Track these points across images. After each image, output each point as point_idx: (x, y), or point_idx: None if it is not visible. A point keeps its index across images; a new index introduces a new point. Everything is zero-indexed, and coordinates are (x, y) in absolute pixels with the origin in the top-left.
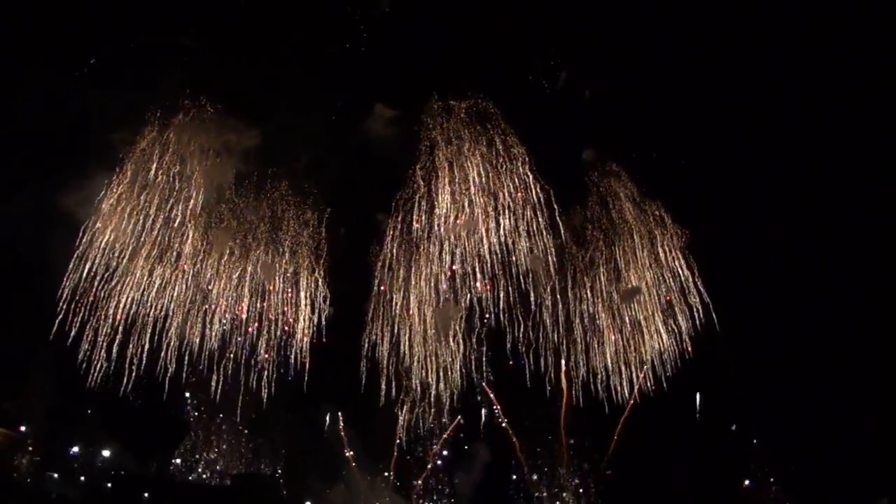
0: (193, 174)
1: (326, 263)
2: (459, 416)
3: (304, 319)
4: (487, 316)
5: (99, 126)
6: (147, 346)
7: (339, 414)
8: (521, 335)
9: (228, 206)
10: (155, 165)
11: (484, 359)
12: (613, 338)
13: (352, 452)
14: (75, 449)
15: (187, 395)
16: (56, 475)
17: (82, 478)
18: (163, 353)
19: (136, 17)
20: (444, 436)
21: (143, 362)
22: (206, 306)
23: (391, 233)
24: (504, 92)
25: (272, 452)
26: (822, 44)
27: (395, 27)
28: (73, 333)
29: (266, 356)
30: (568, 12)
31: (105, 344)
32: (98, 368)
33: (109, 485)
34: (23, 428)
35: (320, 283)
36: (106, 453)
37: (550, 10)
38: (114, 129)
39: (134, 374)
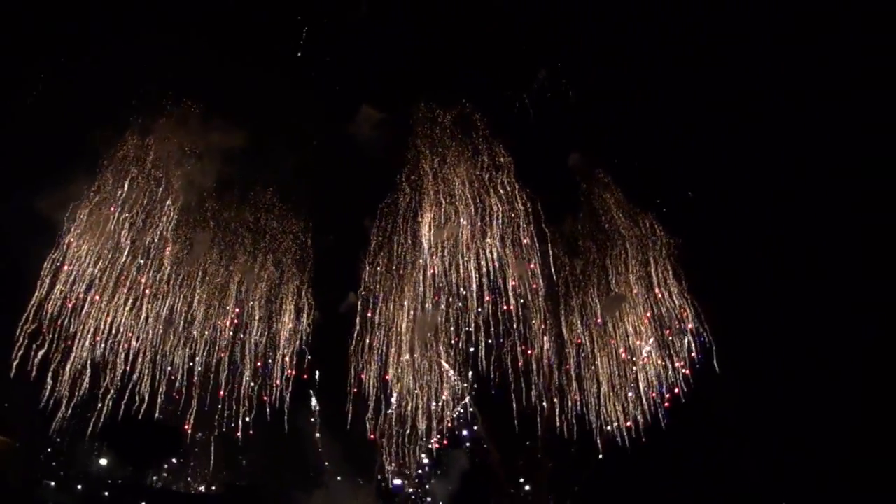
0: (172, 184)
1: (311, 273)
2: (444, 429)
3: (285, 337)
4: (472, 332)
5: (77, 129)
6: (123, 362)
7: (318, 423)
8: (508, 351)
9: (210, 213)
10: (133, 174)
11: (469, 375)
12: (607, 363)
13: (331, 462)
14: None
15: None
16: (52, 483)
17: (79, 486)
18: (138, 368)
19: (122, 17)
20: (428, 447)
21: (118, 375)
22: (186, 323)
23: (375, 240)
24: (490, 99)
25: (253, 463)
26: (818, 45)
27: (376, 32)
28: (43, 350)
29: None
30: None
31: (77, 363)
32: (68, 378)
33: (106, 493)
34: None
35: (304, 293)
36: (103, 462)
37: (540, 15)
38: (93, 133)
39: (110, 393)
